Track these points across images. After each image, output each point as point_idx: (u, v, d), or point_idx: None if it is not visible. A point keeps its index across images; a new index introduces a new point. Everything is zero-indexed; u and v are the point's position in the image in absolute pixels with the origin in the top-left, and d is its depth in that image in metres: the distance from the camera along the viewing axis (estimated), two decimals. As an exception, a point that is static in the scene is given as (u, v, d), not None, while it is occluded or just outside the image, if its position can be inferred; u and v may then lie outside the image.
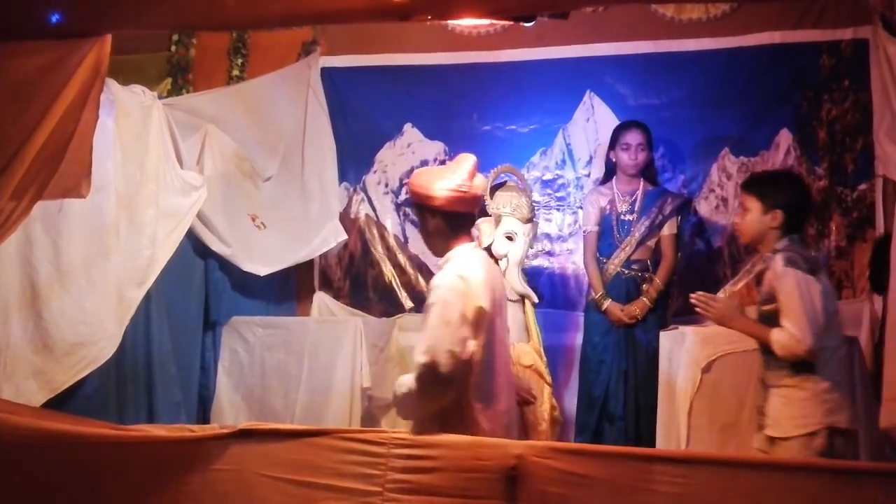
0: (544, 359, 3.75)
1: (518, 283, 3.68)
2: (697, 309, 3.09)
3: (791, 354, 2.91)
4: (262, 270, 4.58)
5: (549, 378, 3.69)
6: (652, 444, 3.87)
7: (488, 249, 3.67)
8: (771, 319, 2.99)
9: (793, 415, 2.96)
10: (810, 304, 2.89)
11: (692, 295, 3.10)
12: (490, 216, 3.71)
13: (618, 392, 4.16)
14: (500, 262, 3.67)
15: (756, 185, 3.17)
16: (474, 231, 3.66)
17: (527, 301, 3.76)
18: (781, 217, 3.05)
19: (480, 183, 2.77)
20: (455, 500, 2.31)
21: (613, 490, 2.27)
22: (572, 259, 4.79)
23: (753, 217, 3.10)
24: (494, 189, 3.77)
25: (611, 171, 4.44)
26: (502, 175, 3.89)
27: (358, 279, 5.03)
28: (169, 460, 2.45)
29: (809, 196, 3.20)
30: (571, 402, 4.35)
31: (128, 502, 2.44)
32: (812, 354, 2.89)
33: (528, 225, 3.75)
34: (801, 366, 2.94)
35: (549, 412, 3.61)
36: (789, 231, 3.07)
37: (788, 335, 2.88)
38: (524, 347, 3.66)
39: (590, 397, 4.22)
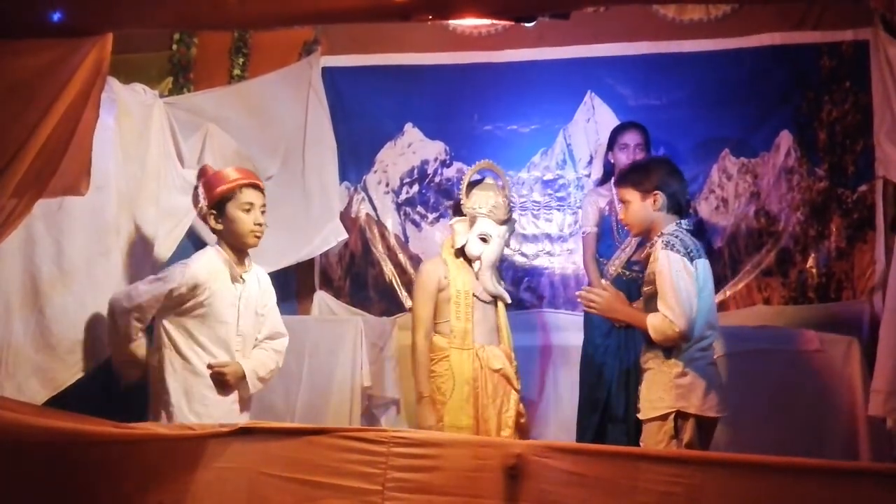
0: (514, 363, 3.64)
1: (491, 285, 3.59)
2: (581, 303, 3.23)
3: (664, 338, 2.98)
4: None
5: (517, 384, 3.58)
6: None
7: (462, 250, 3.61)
8: (649, 301, 3.10)
9: (650, 397, 3.07)
10: (684, 289, 2.97)
11: (577, 293, 3.26)
12: (465, 215, 3.59)
13: (620, 393, 4.15)
14: (473, 263, 3.63)
15: (628, 176, 3.27)
16: (448, 230, 3.62)
17: (499, 302, 3.67)
18: (661, 199, 3.14)
19: None
20: (455, 498, 2.32)
21: (613, 489, 2.27)
22: (572, 259, 4.80)
23: (635, 206, 3.18)
24: (471, 187, 3.64)
25: (609, 172, 4.44)
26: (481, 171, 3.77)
27: (358, 278, 5.04)
28: (170, 458, 2.46)
29: (682, 176, 3.30)
30: (572, 403, 4.35)
31: (129, 500, 2.44)
32: (685, 338, 2.97)
33: (504, 226, 3.60)
34: (663, 351, 3.03)
35: (514, 419, 3.52)
36: (673, 214, 3.16)
37: (661, 318, 2.96)
38: (494, 351, 3.56)
39: (592, 399, 4.22)
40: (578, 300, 3.23)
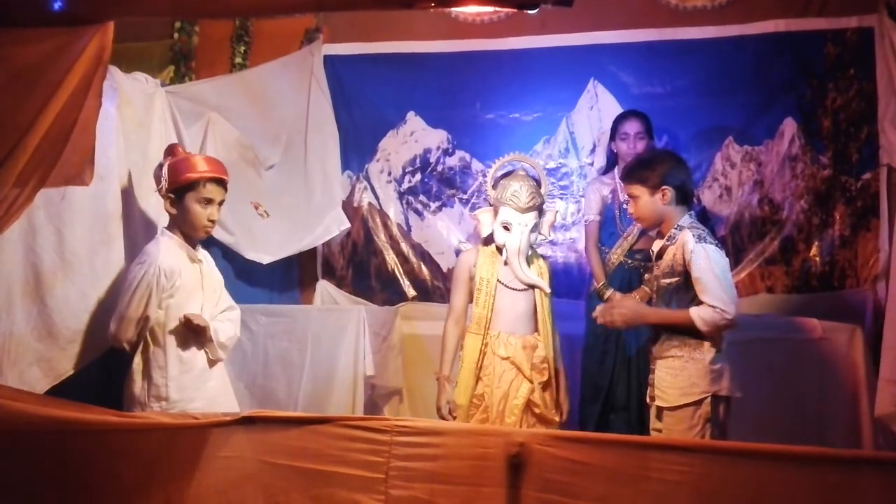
0: (541, 353, 3.60)
1: (521, 273, 3.59)
2: (601, 323, 3.25)
3: (716, 328, 3.03)
4: (266, 259, 4.58)
5: (529, 373, 3.54)
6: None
7: (489, 239, 3.66)
8: (670, 293, 3.14)
9: (681, 385, 3.10)
10: (724, 276, 3.04)
11: (593, 314, 3.28)
12: (491, 206, 3.67)
13: (621, 382, 4.16)
14: (501, 251, 3.66)
15: (635, 171, 3.28)
16: (474, 221, 3.67)
17: (538, 291, 3.66)
18: (670, 193, 3.17)
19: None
20: (458, 487, 2.32)
21: (615, 478, 2.27)
22: (575, 248, 4.79)
23: (644, 201, 3.22)
24: (500, 179, 3.72)
25: (612, 161, 4.43)
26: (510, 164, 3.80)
27: (361, 267, 5.04)
28: (173, 447, 2.45)
29: (686, 166, 3.34)
30: (575, 392, 4.34)
31: (132, 489, 2.45)
32: (734, 325, 3.03)
33: (530, 214, 3.60)
34: (690, 339, 3.07)
35: (521, 407, 3.50)
36: (682, 206, 3.20)
37: (711, 310, 3.00)
38: (507, 339, 3.57)
39: (593, 387, 4.22)
40: (595, 317, 3.27)
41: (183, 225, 3.31)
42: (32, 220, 3.25)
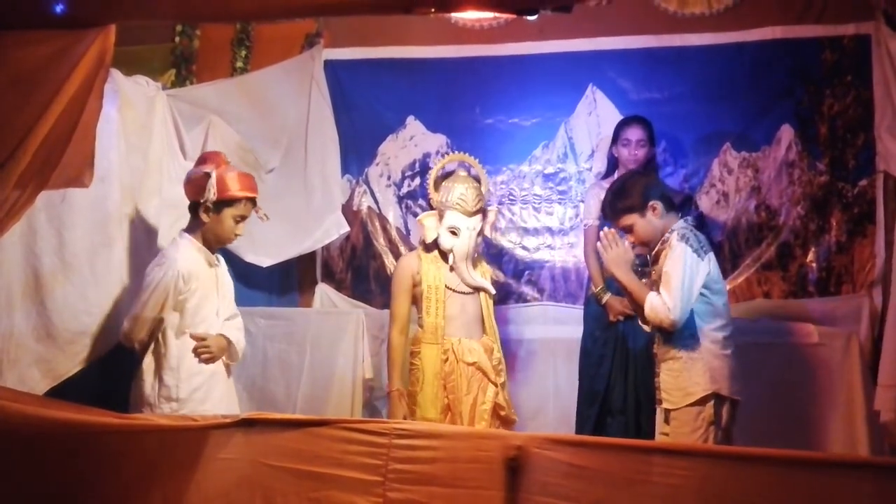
0: (497, 355, 3.67)
1: (469, 277, 3.59)
2: (599, 244, 3.25)
3: (657, 320, 3.08)
4: (265, 262, 4.59)
5: (494, 377, 3.59)
6: (653, 438, 3.88)
7: (434, 244, 3.63)
8: None
9: (683, 385, 3.13)
10: (689, 282, 3.05)
11: (604, 229, 3.27)
12: (434, 210, 3.64)
13: (618, 386, 4.17)
14: (448, 256, 3.64)
15: (616, 204, 3.26)
16: (418, 226, 3.62)
17: (483, 294, 3.67)
18: (659, 206, 3.19)
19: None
20: (456, 490, 2.33)
21: (613, 481, 2.29)
22: (573, 253, 4.80)
23: (641, 226, 3.22)
24: (441, 180, 3.69)
25: (614, 165, 4.44)
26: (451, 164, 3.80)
27: (360, 271, 5.04)
28: (172, 449, 2.47)
29: (656, 177, 3.40)
30: (572, 396, 4.36)
31: (131, 491, 2.46)
32: (673, 327, 3.06)
33: (476, 217, 3.60)
34: (687, 342, 3.11)
35: (489, 412, 3.53)
36: (672, 212, 3.22)
37: (661, 303, 3.05)
38: (470, 344, 3.59)
39: (591, 391, 4.23)
40: (601, 235, 3.25)
41: (209, 233, 3.39)
42: (33, 222, 3.27)
